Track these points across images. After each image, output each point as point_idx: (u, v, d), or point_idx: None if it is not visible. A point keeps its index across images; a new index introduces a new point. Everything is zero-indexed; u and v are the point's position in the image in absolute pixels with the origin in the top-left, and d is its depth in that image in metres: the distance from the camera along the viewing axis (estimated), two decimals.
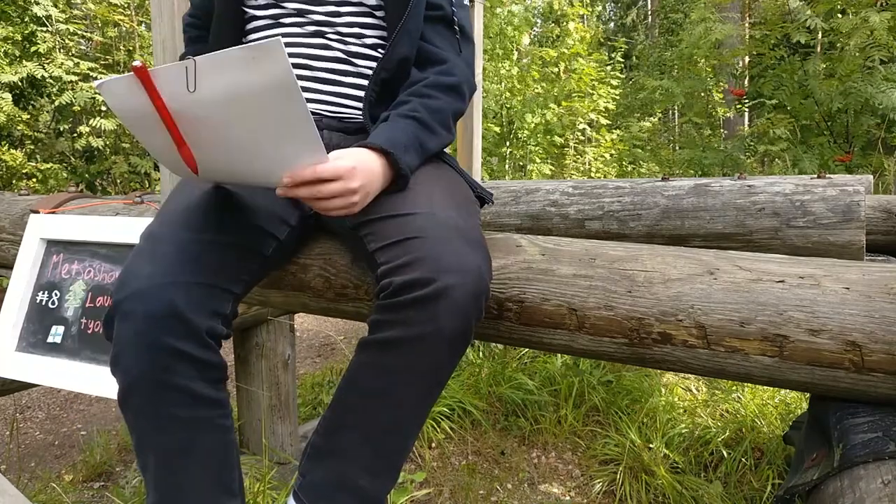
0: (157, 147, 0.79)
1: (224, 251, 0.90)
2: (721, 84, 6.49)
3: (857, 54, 4.28)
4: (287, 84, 0.72)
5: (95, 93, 5.10)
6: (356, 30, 1.11)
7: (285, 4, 1.10)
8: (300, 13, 1.10)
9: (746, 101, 5.43)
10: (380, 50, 1.12)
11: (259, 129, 0.77)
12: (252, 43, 0.78)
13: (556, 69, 6.87)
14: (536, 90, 6.57)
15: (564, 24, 7.09)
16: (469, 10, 1.17)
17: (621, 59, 8.28)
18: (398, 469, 0.91)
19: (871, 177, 1.83)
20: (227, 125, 0.76)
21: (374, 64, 1.11)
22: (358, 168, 0.88)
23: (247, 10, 1.13)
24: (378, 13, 1.11)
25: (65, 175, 5.20)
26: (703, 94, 6.52)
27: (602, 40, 8.93)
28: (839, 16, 4.34)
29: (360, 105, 1.11)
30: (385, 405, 0.86)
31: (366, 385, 0.87)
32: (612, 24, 15.59)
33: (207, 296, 0.86)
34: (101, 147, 5.35)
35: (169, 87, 0.72)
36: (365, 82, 1.11)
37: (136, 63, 0.69)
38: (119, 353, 0.82)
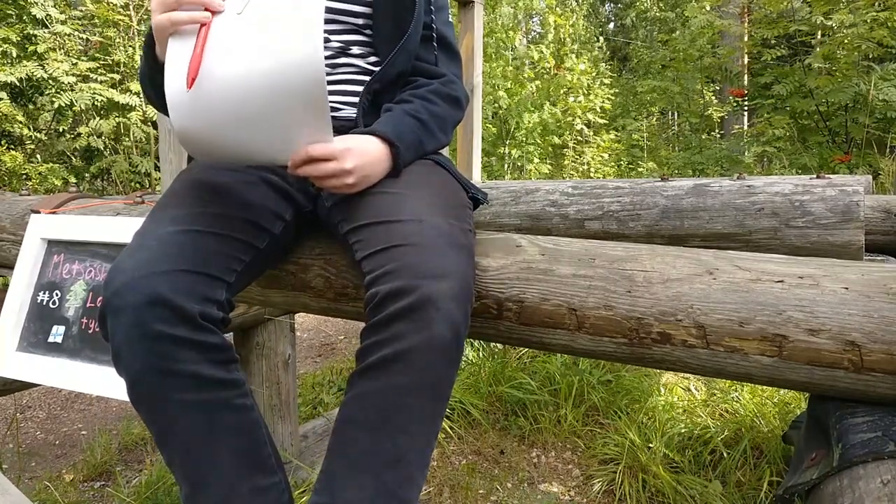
0: (171, 52, 0.84)
1: (209, 241, 0.90)
2: (712, 85, 6.50)
3: (854, 53, 4.28)
4: (313, 26, 0.79)
5: (94, 93, 5.09)
6: (343, 51, 1.13)
7: None
8: None
9: (747, 100, 5.42)
10: (367, 64, 1.14)
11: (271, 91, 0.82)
12: None
13: (547, 66, 6.86)
14: (531, 90, 6.57)
15: (548, 21, 7.12)
16: (453, 28, 1.24)
17: (611, 60, 8.28)
18: (420, 486, 0.87)
19: (871, 177, 1.83)
20: (247, 68, 0.81)
21: (365, 78, 1.13)
22: (353, 150, 0.92)
23: None
24: (366, 31, 1.13)
25: (64, 175, 5.20)
26: (698, 97, 6.52)
27: (596, 37, 8.94)
28: (841, 14, 4.34)
29: (353, 114, 1.13)
30: (389, 434, 0.82)
31: (365, 417, 0.82)
32: (611, 25, 15.58)
33: (194, 282, 0.85)
34: (100, 147, 5.34)
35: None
36: (358, 88, 1.12)
37: None
38: (118, 349, 0.82)
